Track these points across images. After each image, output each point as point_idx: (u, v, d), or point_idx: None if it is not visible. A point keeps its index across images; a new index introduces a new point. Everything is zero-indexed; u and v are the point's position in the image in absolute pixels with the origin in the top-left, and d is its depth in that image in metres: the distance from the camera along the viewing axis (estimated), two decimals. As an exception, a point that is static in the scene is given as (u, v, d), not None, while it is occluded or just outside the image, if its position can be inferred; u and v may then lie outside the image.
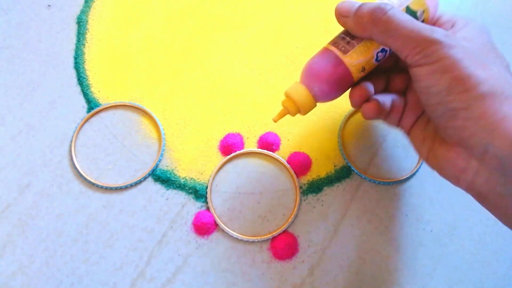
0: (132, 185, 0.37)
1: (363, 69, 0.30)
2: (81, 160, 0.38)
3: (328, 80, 0.30)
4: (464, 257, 0.35)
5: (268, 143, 0.38)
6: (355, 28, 0.29)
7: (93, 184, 0.37)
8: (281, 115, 0.32)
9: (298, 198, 0.36)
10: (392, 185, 0.37)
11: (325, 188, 0.37)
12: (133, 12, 0.46)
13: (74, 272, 0.34)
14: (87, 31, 0.44)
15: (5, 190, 0.37)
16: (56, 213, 0.36)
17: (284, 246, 0.35)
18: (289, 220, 0.36)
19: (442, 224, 0.36)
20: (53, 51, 0.43)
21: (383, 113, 0.31)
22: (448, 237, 0.36)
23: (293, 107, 0.31)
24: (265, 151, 0.38)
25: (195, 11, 0.46)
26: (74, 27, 0.44)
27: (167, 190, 0.37)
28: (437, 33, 0.26)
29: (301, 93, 0.30)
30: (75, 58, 0.43)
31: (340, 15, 0.30)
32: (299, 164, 0.38)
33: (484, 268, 0.35)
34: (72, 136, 0.39)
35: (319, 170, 0.38)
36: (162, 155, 0.38)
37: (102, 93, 0.41)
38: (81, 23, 0.44)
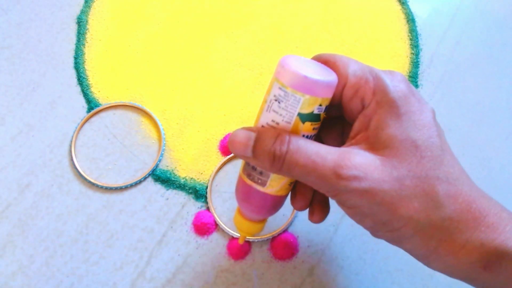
0: (132, 185, 0.37)
1: (291, 183, 0.27)
2: (81, 160, 0.38)
3: (263, 211, 0.28)
4: (464, 257, 0.35)
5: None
6: (260, 167, 0.26)
7: (93, 184, 0.37)
8: (243, 239, 0.32)
9: (298, 198, 0.36)
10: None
11: (325, 188, 0.37)
12: (133, 12, 0.46)
13: (74, 272, 0.34)
14: (87, 31, 0.44)
15: (5, 190, 0.37)
16: (56, 213, 0.36)
17: (284, 246, 0.35)
18: (289, 220, 0.36)
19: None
20: (53, 51, 0.43)
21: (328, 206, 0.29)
22: (448, 237, 0.36)
23: (249, 234, 0.31)
24: (265, 151, 0.38)
25: (195, 11, 0.46)
26: (74, 27, 0.44)
27: (167, 190, 0.37)
28: (343, 179, 0.23)
29: (246, 226, 0.30)
30: (75, 58, 0.43)
31: (238, 155, 0.26)
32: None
33: (484, 268, 0.35)
34: (72, 136, 0.39)
35: (319, 170, 0.38)
36: (162, 155, 0.38)
37: (102, 93, 0.41)
38: (81, 23, 0.44)
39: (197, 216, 0.36)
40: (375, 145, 0.24)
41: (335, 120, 0.29)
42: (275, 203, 0.28)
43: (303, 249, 0.35)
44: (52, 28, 0.44)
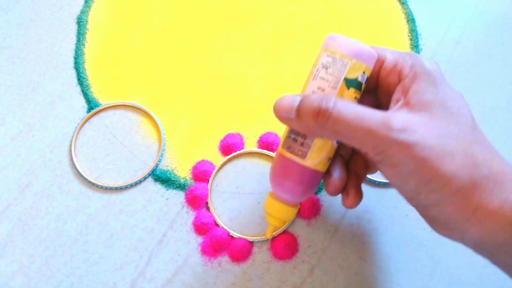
0: (132, 185, 0.37)
1: (329, 159, 0.28)
2: (81, 160, 0.38)
3: (299, 188, 0.28)
4: (464, 257, 0.35)
5: (268, 143, 0.38)
6: (303, 131, 0.27)
7: (93, 184, 0.37)
8: (272, 231, 0.33)
9: (298, 198, 0.36)
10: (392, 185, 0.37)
11: (325, 188, 0.37)
12: (133, 12, 0.46)
13: (74, 272, 0.34)
14: (87, 31, 0.44)
15: (5, 190, 0.37)
16: (56, 213, 0.36)
17: (284, 246, 0.35)
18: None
19: (442, 224, 0.36)
20: (53, 51, 0.43)
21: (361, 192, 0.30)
22: (448, 237, 0.36)
23: (278, 221, 0.31)
24: (265, 151, 0.38)
25: (195, 11, 0.46)
26: (74, 27, 0.44)
27: (167, 190, 0.37)
28: (393, 130, 0.23)
29: (279, 209, 0.30)
30: (75, 58, 0.43)
31: (281, 118, 0.26)
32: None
33: (484, 268, 0.35)
34: (72, 136, 0.39)
35: (319, 170, 0.38)
36: (162, 155, 0.38)
37: (102, 93, 0.41)
38: (81, 23, 0.44)
39: (197, 216, 0.36)
40: (415, 108, 0.25)
41: (369, 101, 0.30)
42: (313, 179, 0.28)
43: (303, 249, 0.35)
44: (52, 28, 0.44)
